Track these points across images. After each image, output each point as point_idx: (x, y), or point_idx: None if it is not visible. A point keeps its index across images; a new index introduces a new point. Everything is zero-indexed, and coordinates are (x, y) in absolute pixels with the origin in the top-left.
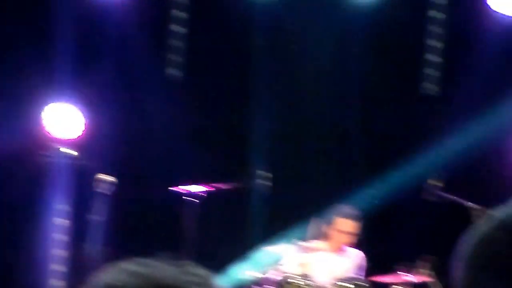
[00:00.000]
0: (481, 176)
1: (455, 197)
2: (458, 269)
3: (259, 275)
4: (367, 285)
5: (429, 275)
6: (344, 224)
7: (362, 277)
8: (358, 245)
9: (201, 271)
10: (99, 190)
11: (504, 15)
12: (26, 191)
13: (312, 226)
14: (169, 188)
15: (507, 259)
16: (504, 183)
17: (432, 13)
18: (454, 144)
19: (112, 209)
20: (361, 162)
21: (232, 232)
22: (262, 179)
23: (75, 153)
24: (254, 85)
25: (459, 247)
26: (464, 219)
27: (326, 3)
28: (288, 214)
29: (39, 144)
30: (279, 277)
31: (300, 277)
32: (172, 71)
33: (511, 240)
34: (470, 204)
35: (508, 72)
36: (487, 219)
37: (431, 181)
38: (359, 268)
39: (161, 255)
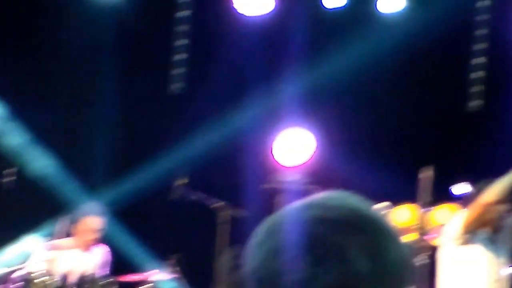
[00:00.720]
0: (225, 174)
1: (200, 196)
2: (251, 256)
3: (5, 272)
4: (112, 280)
5: (175, 272)
6: (91, 222)
7: (107, 273)
8: (103, 241)
9: None
10: None
11: (247, 16)
12: None
13: (60, 223)
14: None
15: (289, 245)
16: (247, 180)
17: (178, 12)
18: (199, 143)
19: None
20: (109, 159)
21: None
22: (9, 175)
23: None
24: (27, 79)
25: (253, 235)
26: (209, 217)
27: (72, 2)
28: (35, 211)
29: None
30: (25, 275)
31: (45, 275)
32: None
33: (291, 228)
34: (214, 202)
35: (251, 71)
36: (278, 212)
37: (178, 180)
38: (105, 264)
39: None
